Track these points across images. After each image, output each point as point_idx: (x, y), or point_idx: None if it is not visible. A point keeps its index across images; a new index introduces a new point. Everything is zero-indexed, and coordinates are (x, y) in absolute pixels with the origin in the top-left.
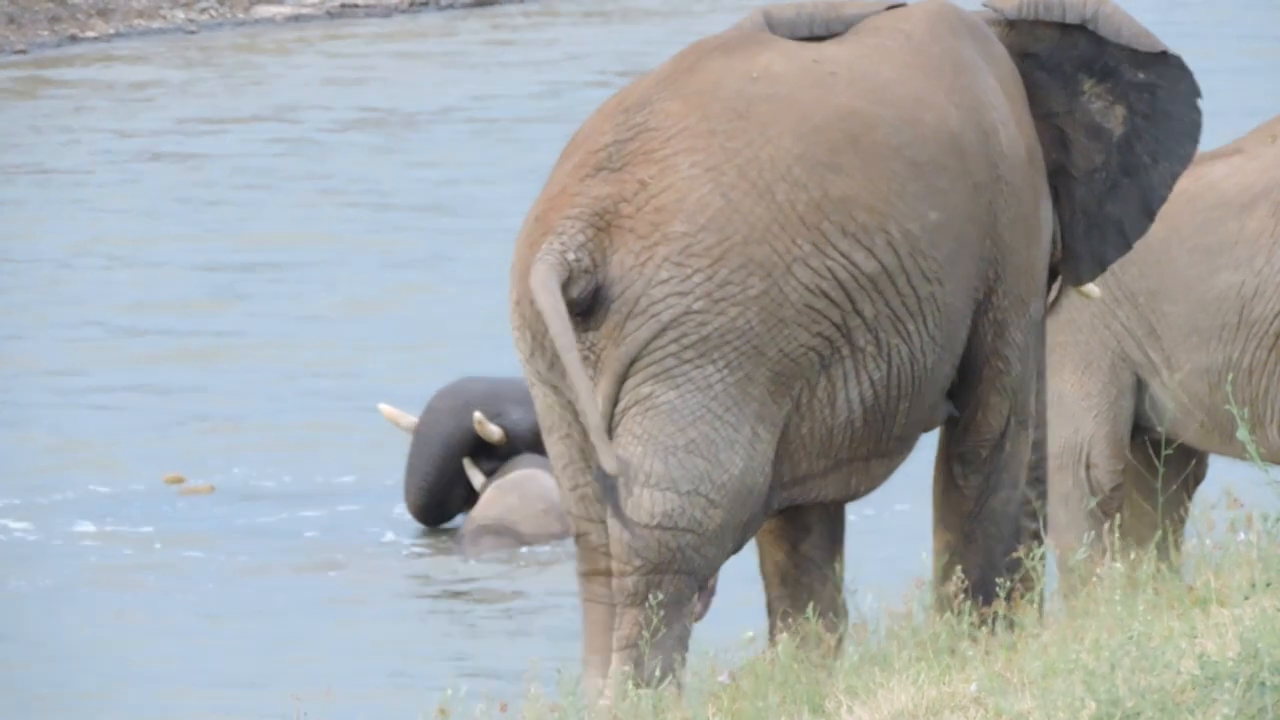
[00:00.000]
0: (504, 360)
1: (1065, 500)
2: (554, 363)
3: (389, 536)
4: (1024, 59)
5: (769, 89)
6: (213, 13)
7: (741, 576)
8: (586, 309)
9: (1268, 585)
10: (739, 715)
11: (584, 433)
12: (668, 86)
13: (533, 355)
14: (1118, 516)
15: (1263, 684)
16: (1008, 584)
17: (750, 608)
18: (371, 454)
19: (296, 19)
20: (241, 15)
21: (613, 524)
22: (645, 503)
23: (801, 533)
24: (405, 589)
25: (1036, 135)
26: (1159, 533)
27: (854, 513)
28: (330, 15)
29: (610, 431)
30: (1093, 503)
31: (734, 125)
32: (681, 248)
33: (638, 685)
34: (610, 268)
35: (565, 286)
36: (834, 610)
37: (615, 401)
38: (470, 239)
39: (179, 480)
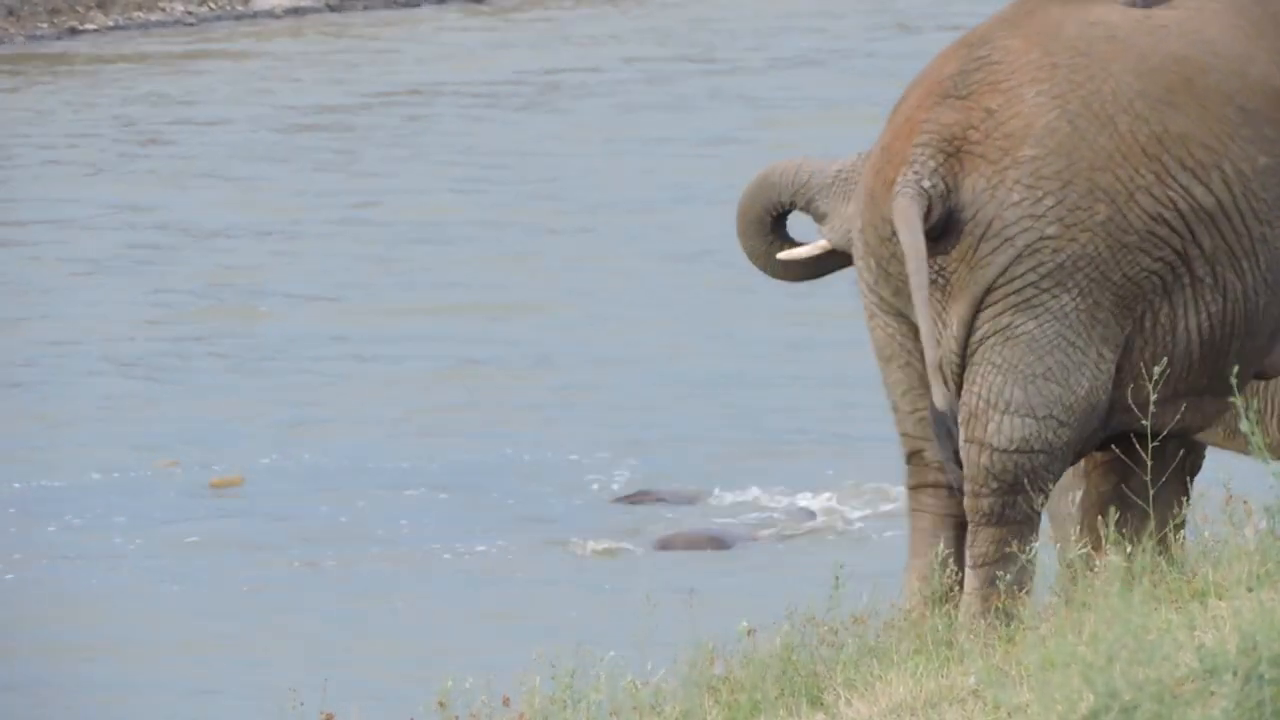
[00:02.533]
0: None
1: (1065, 490)
2: (899, 289)
3: (402, 526)
4: None
5: (1107, 32)
6: (212, 4)
7: (729, 571)
8: (939, 234)
9: (1267, 576)
10: (737, 707)
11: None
12: (1009, 26)
13: (877, 283)
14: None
15: (1261, 677)
16: (1006, 576)
17: (752, 601)
18: (393, 442)
19: (296, 11)
20: (241, 8)
21: (967, 449)
22: (1005, 429)
23: (1128, 470)
24: (407, 583)
25: None
26: (1153, 524)
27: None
28: (329, 7)
29: (964, 357)
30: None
31: (1076, 60)
32: (1031, 170)
33: (997, 599)
34: (962, 192)
35: (925, 216)
36: (1155, 545)
37: (970, 326)
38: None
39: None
